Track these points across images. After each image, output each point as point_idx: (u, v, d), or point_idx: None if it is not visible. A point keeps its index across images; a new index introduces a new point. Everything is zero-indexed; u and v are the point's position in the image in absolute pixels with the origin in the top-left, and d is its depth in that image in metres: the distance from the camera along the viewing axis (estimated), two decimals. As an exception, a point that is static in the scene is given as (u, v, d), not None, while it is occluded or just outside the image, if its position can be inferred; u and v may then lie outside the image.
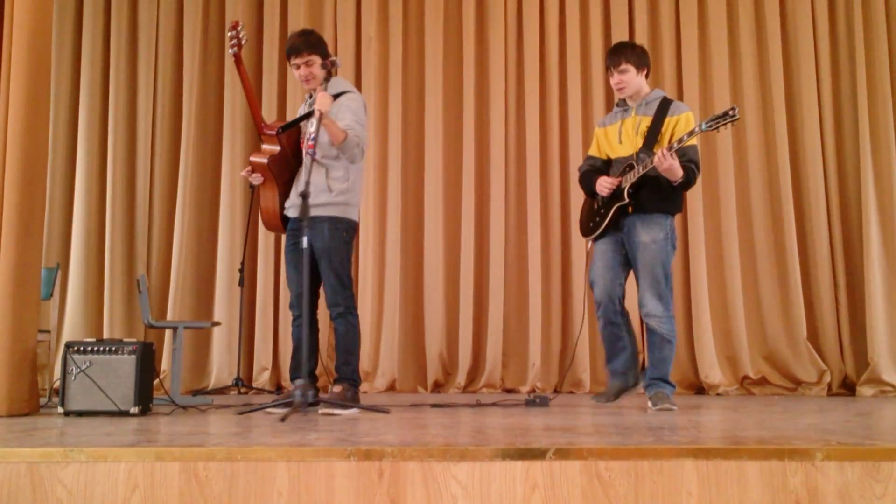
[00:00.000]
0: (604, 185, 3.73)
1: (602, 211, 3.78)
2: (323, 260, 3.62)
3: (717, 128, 3.49)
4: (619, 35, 5.50)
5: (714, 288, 5.33)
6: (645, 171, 3.58)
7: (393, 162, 5.57)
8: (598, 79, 5.57)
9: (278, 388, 5.37)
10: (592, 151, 4.00)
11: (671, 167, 3.50)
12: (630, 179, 3.64)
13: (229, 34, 3.83)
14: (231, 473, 2.00)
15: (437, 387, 5.39)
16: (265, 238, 5.51)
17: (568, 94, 5.59)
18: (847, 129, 5.39)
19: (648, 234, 3.66)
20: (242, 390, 5.15)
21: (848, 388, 5.13)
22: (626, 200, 3.66)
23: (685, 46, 5.54)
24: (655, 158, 3.49)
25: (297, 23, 5.67)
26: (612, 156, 3.85)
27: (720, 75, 5.46)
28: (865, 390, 4.96)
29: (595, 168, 3.91)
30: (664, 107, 3.74)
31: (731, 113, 3.46)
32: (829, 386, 5.09)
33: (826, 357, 5.17)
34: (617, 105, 3.94)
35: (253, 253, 5.51)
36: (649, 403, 3.62)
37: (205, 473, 2.00)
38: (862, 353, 5.11)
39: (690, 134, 3.51)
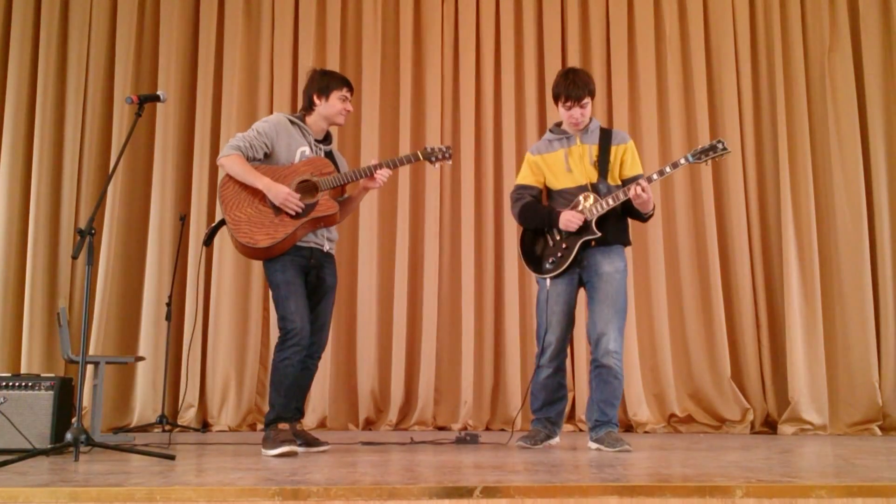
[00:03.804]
0: (572, 220, 3.49)
1: (565, 246, 3.56)
2: (330, 296, 3.54)
3: (706, 161, 3.49)
4: (553, 68, 5.56)
5: (642, 327, 5.44)
6: (616, 203, 3.48)
7: (327, 197, 5.54)
8: (532, 112, 5.70)
9: (204, 426, 5.23)
10: (526, 180, 3.73)
11: (649, 199, 3.46)
12: (598, 212, 3.49)
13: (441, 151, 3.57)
14: (150, 514, 1.93)
15: (369, 424, 5.33)
16: (194, 272, 5.39)
17: (502, 125, 5.68)
18: (769, 178, 5.59)
19: (611, 264, 3.54)
20: (167, 428, 5.00)
21: (770, 426, 5.27)
22: (598, 234, 3.50)
23: (615, 76, 5.68)
24: (632, 191, 3.41)
25: (233, 51, 5.66)
26: (557, 186, 3.65)
27: (649, 118, 5.63)
28: (786, 428, 5.10)
29: (535, 198, 3.71)
30: (606, 135, 3.64)
31: (719, 147, 3.47)
32: (752, 424, 5.21)
33: (749, 396, 5.31)
34: (550, 132, 3.74)
35: (181, 287, 5.39)
36: (598, 444, 3.46)
37: (122, 515, 1.93)
38: (783, 392, 5.26)
39: (675, 166, 3.48)
